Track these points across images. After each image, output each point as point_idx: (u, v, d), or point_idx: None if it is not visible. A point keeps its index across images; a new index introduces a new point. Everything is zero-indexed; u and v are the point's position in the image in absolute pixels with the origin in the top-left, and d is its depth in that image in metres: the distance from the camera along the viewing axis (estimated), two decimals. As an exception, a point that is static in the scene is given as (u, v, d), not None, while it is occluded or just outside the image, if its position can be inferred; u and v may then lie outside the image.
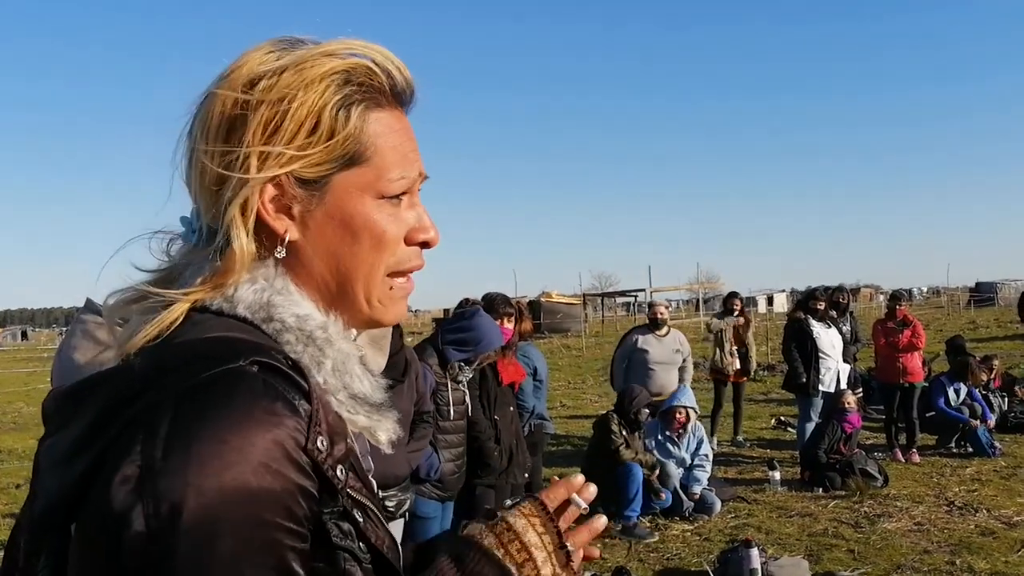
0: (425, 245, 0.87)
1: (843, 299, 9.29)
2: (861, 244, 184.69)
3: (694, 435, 7.15)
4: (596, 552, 0.98)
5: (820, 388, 8.20)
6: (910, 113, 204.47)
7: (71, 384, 0.74)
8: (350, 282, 0.82)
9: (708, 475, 7.00)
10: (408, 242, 0.84)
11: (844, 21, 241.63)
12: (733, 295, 10.25)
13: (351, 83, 0.79)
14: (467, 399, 4.38)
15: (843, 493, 7.04)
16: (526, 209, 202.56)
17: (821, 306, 8.49)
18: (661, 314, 8.20)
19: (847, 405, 7.78)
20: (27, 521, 0.77)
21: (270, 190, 0.78)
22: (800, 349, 8.32)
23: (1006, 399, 9.97)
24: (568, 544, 0.87)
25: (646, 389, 7.24)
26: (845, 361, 8.58)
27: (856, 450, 7.65)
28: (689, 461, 6.99)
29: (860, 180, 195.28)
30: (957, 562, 5.26)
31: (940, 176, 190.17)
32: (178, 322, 0.75)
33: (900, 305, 8.84)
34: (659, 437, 7.10)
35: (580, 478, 0.95)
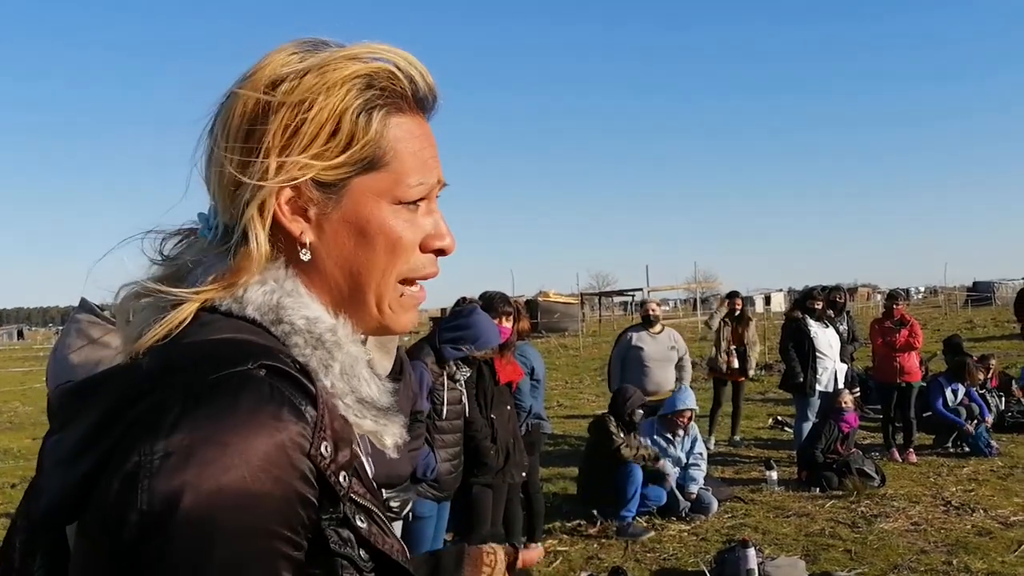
0: (440, 252, 0.86)
1: (840, 298, 9.30)
2: (858, 243, 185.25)
3: (688, 434, 7.16)
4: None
5: (817, 388, 8.21)
6: (909, 113, 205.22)
7: (78, 382, 0.73)
8: (362, 287, 0.82)
9: (704, 473, 7.00)
10: (423, 249, 0.84)
11: (844, 21, 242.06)
12: (734, 294, 10.24)
13: (373, 87, 0.79)
14: (464, 398, 4.38)
15: (840, 493, 7.04)
16: (524, 208, 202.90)
17: (818, 305, 8.50)
18: (653, 311, 8.26)
19: (844, 405, 7.78)
20: (25, 521, 0.77)
21: (287, 192, 0.78)
22: (797, 349, 8.32)
23: (1003, 398, 9.99)
24: None
25: (643, 387, 7.25)
26: (842, 361, 8.59)
27: (853, 450, 7.66)
28: (685, 460, 7.00)
29: (858, 180, 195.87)
30: (954, 562, 5.27)
31: (938, 176, 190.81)
32: (187, 322, 0.74)
33: (897, 304, 8.84)
34: (655, 437, 7.10)
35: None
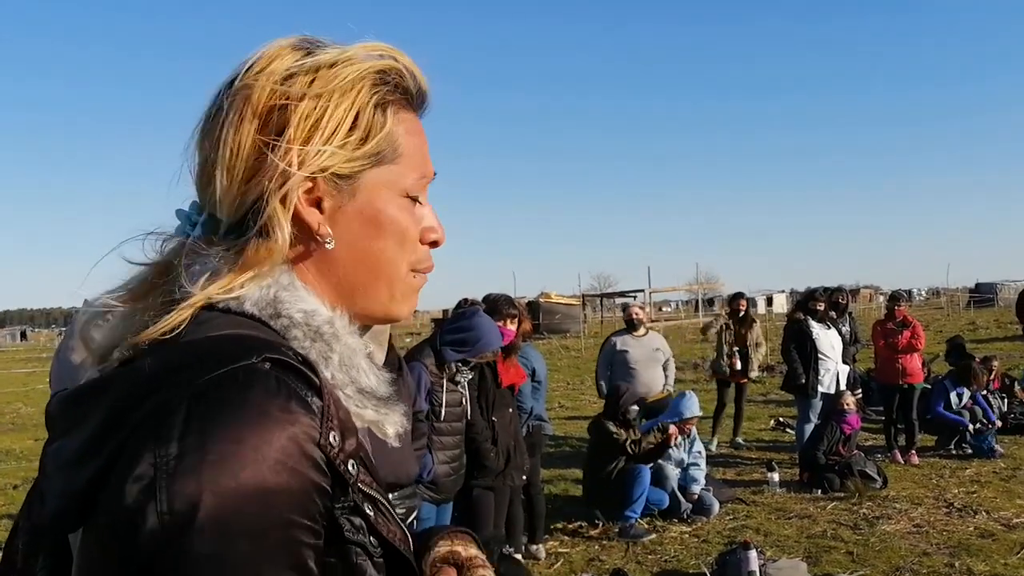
0: (434, 244, 0.89)
1: (842, 300, 9.29)
2: (861, 245, 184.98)
3: (688, 435, 7.16)
4: None
5: (819, 389, 8.20)
6: (912, 113, 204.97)
7: (76, 387, 0.73)
8: (378, 276, 0.83)
9: (704, 472, 7.02)
10: (422, 241, 0.87)
11: (844, 21, 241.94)
12: (739, 295, 10.23)
13: (386, 84, 0.82)
14: (465, 400, 4.37)
15: (842, 495, 7.04)
16: (525, 209, 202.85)
17: (820, 307, 8.49)
18: (636, 315, 8.30)
19: (846, 406, 7.77)
20: (27, 522, 0.77)
21: (306, 184, 0.78)
22: (799, 350, 8.32)
23: (1005, 400, 9.97)
24: None
25: (632, 389, 7.26)
26: (844, 362, 8.58)
27: (855, 451, 7.65)
28: (686, 461, 7.00)
29: (860, 180, 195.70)
30: (956, 564, 5.26)
31: (940, 177, 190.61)
32: (185, 322, 0.74)
33: (899, 306, 8.84)
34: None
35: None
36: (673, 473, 6.78)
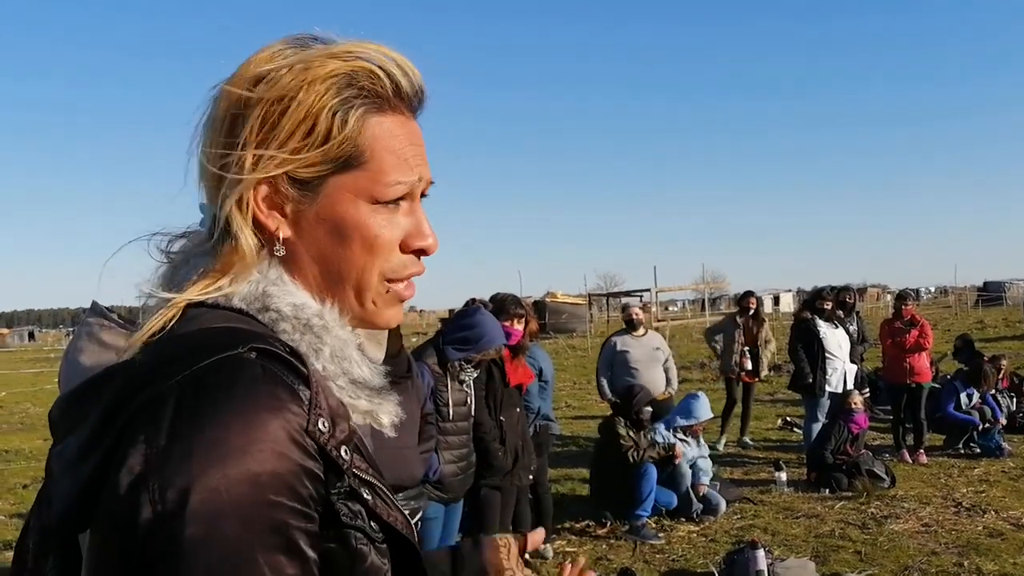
0: (422, 252, 0.86)
1: (850, 299, 9.25)
2: (868, 244, 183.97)
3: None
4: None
5: (827, 388, 8.18)
6: (919, 112, 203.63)
7: (76, 386, 0.74)
8: (340, 283, 0.82)
9: (710, 465, 7.03)
10: (404, 249, 0.84)
11: (845, 21, 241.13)
12: (749, 293, 10.18)
13: (353, 86, 0.79)
14: (470, 399, 4.36)
15: (850, 494, 7.02)
16: (527, 209, 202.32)
17: (828, 306, 8.47)
18: (636, 315, 8.31)
19: (854, 405, 7.75)
20: (37, 523, 0.77)
21: (264, 188, 0.79)
22: (807, 349, 8.30)
23: (1014, 399, 9.93)
24: None
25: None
26: (852, 361, 8.55)
27: (863, 451, 7.63)
28: (695, 458, 7.00)
29: (867, 179, 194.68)
30: (965, 564, 5.24)
31: (948, 175, 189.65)
32: (176, 318, 0.76)
33: (907, 305, 8.80)
34: (665, 433, 7.08)
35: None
36: (688, 472, 6.77)
